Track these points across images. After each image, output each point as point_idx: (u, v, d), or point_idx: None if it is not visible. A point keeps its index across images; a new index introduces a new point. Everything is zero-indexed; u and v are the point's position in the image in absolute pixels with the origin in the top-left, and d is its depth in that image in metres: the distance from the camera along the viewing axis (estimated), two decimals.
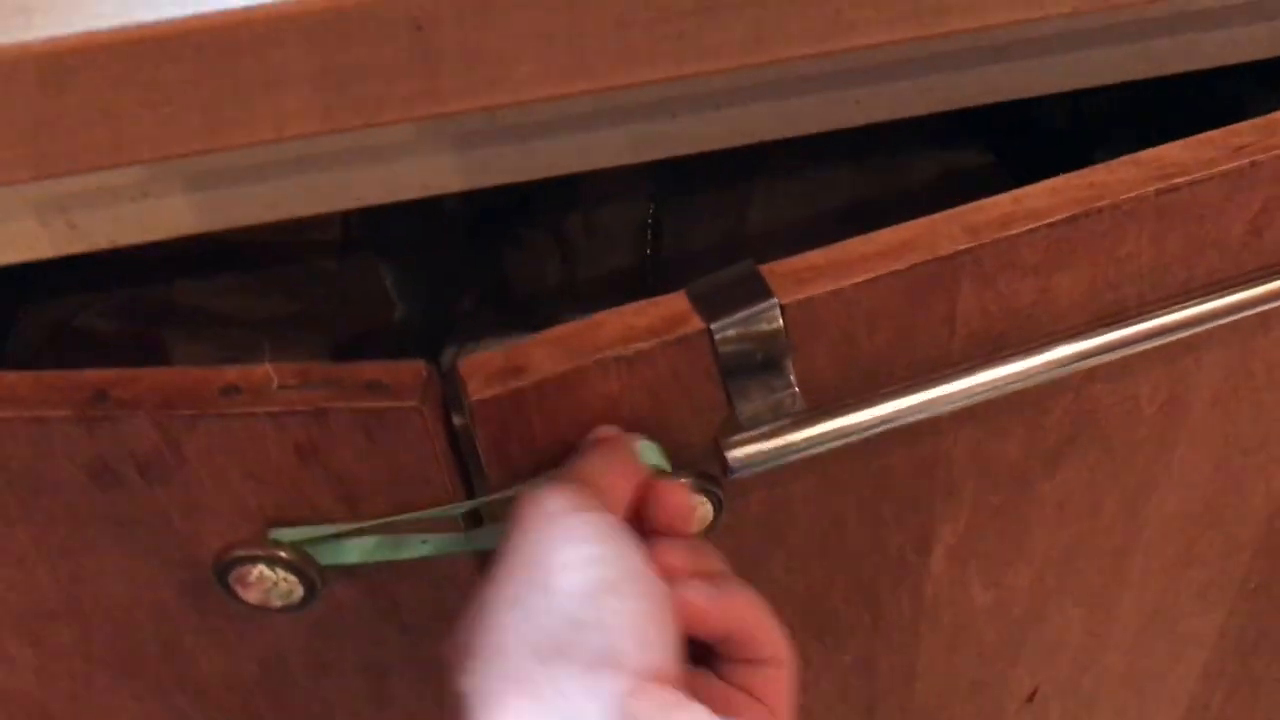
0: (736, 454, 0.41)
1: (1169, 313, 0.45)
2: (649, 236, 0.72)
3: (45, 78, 0.38)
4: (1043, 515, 0.55)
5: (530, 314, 0.70)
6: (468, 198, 0.71)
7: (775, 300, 0.41)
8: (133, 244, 0.53)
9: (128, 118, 0.39)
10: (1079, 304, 0.46)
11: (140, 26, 0.38)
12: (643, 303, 0.42)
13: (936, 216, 0.44)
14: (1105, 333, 0.45)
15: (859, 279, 0.42)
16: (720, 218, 0.71)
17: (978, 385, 0.44)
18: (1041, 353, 0.44)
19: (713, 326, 0.41)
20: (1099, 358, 0.45)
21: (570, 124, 0.54)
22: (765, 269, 0.42)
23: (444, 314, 0.73)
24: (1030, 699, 0.66)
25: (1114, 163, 0.44)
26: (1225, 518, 0.59)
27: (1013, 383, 0.44)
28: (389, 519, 0.42)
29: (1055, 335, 0.46)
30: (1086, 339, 0.45)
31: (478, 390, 0.40)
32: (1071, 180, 0.44)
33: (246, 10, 0.38)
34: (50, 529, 0.43)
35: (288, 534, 0.43)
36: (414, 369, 0.41)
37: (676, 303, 0.42)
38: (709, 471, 0.44)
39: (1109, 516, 0.56)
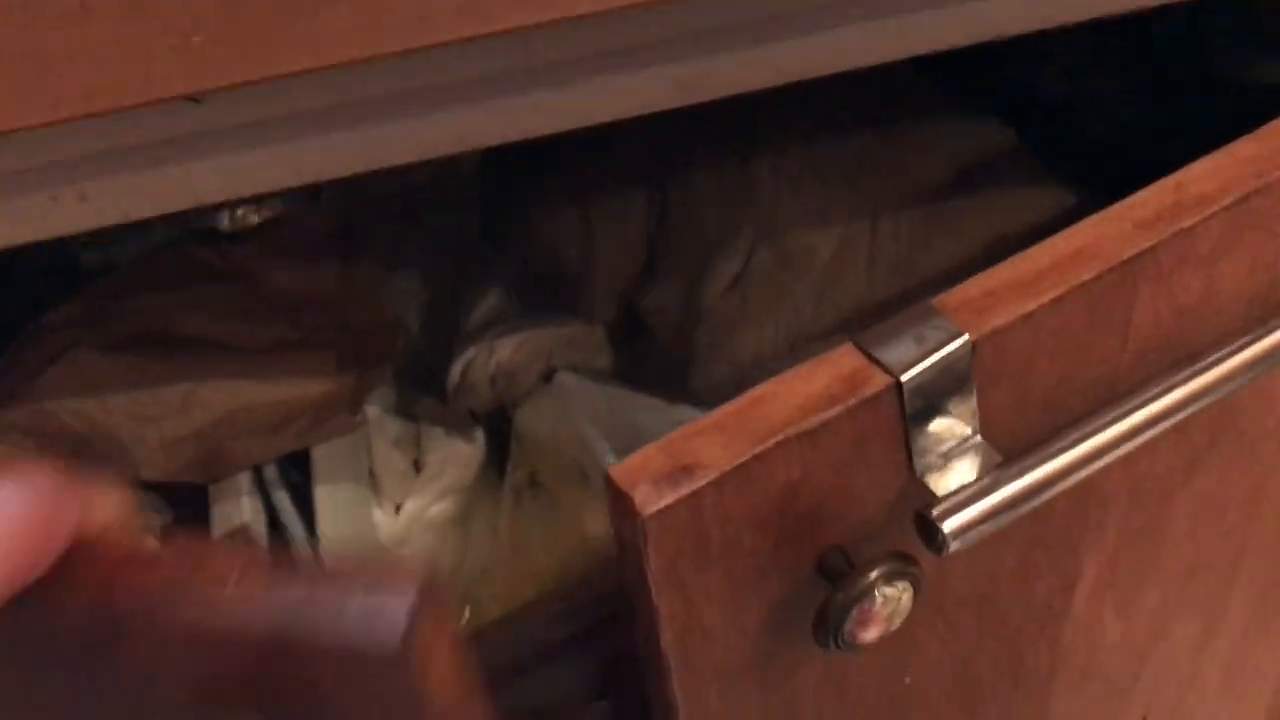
0: (951, 525, 0.35)
1: None
2: (654, 214, 0.67)
3: None
4: (1176, 529, 0.50)
5: (552, 296, 0.67)
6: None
7: (966, 337, 0.35)
8: (146, 217, 0.44)
9: None
10: (1239, 290, 0.41)
11: None
12: (807, 365, 0.35)
13: (1096, 217, 0.38)
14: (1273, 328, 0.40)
15: (1045, 298, 0.36)
16: (727, 193, 0.65)
17: (1169, 406, 0.38)
18: (1225, 361, 0.39)
19: (903, 379, 0.34)
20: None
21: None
22: (936, 304, 0.36)
23: (449, 322, 0.68)
24: None
25: (1262, 132, 0.40)
26: None
27: (1200, 397, 0.39)
28: None
29: (1220, 333, 0.41)
30: (1259, 339, 0.40)
31: (648, 501, 0.32)
32: (1225, 159, 0.39)
33: None
34: None
35: None
36: None
37: (848, 358, 0.35)
38: (904, 551, 0.37)
39: (1232, 518, 0.52)
